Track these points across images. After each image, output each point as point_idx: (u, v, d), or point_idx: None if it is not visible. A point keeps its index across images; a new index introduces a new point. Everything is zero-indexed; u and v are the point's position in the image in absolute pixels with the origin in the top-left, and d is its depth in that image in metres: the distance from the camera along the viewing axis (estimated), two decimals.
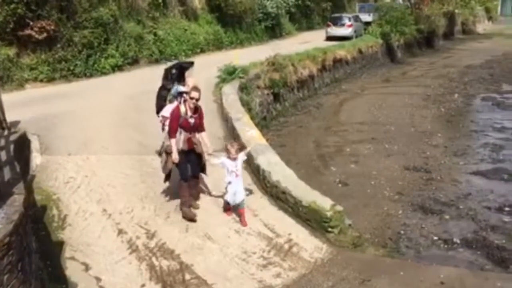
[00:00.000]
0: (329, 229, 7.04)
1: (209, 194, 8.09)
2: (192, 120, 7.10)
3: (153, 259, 6.31)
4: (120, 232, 6.92)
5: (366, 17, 32.86)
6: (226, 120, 11.72)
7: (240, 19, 27.03)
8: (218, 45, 24.89)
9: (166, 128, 7.32)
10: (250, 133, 10.14)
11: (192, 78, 7.84)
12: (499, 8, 62.99)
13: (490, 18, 58.31)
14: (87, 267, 6.09)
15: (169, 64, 8.47)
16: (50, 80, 16.04)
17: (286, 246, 6.80)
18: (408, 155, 12.39)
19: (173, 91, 7.68)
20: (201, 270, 6.12)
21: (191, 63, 8.37)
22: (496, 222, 8.48)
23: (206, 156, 7.47)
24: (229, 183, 7.18)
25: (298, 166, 10.67)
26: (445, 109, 17.69)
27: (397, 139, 13.75)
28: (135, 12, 20.00)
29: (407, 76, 26.04)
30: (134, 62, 19.12)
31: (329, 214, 7.06)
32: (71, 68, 16.53)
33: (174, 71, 7.99)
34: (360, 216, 8.59)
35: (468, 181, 10.54)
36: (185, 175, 7.30)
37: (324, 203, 7.24)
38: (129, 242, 6.67)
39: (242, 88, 14.56)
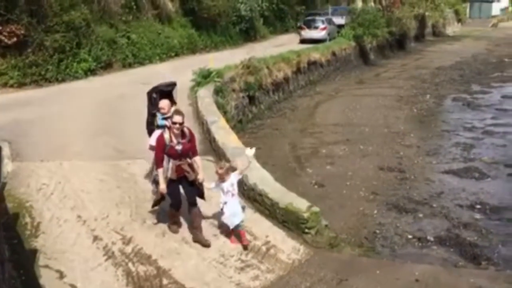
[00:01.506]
0: (306, 230, 7.08)
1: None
2: (179, 147, 6.51)
3: (130, 264, 6.24)
4: (96, 238, 6.81)
5: (339, 20, 33.21)
6: (202, 123, 11.69)
7: (215, 23, 26.97)
8: (193, 49, 24.78)
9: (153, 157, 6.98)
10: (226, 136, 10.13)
11: (163, 101, 7.32)
12: (467, 11, 64.51)
13: (459, 21, 59.59)
14: (61, 275, 5.97)
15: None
16: (21, 85, 15.69)
17: (264, 248, 6.82)
18: (382, 155, 12.59)
19: (159, 122, 7.23)
20: (178, 274, 6.09)
21: (173, 84, 7.76)
22: (468, 220, 8.70)
23: (201, 180, 6.84)
24: (225, 203, 6.73)
25: (274, 168, 10.71)
26: (418, 110, 18.04)
27: (371, 140, 13.95)
28: (108, 16, 19.74)
29: (380, 78, 26.44)
30: (108, 66, 18.88)
31: (305, 215, 7.11)
32: (42, 72, 16.20)
33: (154, 95, 7.55)
34: (337, 217, 8.68)
35: (440, 180, 10.77)
36: (176, 204, 6.89)
37: (301, 204, 7.29)
38: (105, 248, 6.58)
39: (218, 91, 14.56)
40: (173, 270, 6.16)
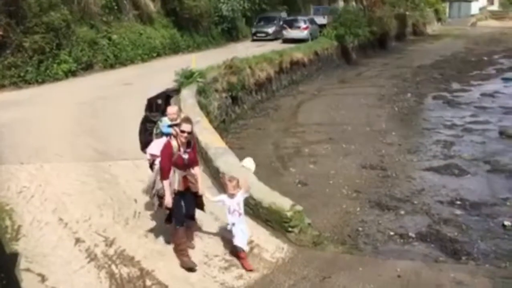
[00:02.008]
0: (290, 229, 7.11)
1: None
2: (186, 156, 6.16)
3: (113, 266, 6.20)
4: (78, 241, 6.75)
5: (321, 20, 33.41)
6: None
7: (197, 23, 26.95)
8: (175, 49, 24.73)
9: (156, 167, 6.41)
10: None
11: (173, 106, 6.90)
12: (447, 10, 65.47)
13: (439, 20, 60.49)
14: (43, 278, 5.90)
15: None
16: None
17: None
18: (364, 153, 12.71)
19: (164, 129, 6.65)
20: (162, 275, 6.06)
21: (177, 91, 7.57)
22: (448, 216, 8.84)
23: (201, 192, 6.51)
24: (233, 224, 6.31)
25: (257, 168, 10.64)
26: (399, 108, 18.24)
27: (353, 139, 14.07)
28: (88, 16, 19.59)
29: (362, 77, 26.67)
30: (89, 67, 18.75)
31: (289, 214, 7.14)
32: (22, 74, 16.02)
33: (160, 101, 7.07)
34: (320, 215, 8.74)
35: (421, 177, 10.91)
36: (181, 219, 6.36)
37: (284, 203, 7.32)
38: (87, 250, 6.52)
39: (200, 92, 14.53)
40: (157, 271, 6.14)
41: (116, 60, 20.27)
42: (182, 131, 6.01)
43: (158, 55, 23.08)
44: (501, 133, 14.19)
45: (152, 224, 7.27)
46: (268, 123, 16.55)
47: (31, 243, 6.64)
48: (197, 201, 6.51)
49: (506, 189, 10.07)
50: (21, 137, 10.44)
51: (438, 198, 9.66)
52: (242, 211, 6.36)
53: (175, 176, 6.12)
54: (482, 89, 21.79)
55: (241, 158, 9.44)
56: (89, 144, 10.28)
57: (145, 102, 7.59)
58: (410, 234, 8.12)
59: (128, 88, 15.62)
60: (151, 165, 6.67)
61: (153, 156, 6.53)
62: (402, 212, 9.05)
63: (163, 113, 6.83)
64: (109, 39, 20.19)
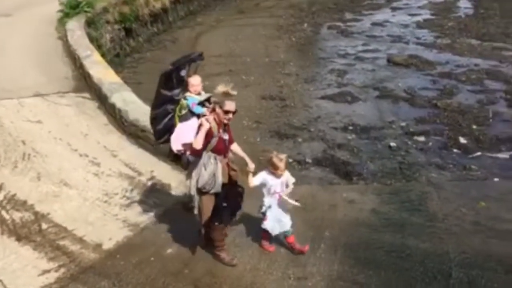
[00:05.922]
0: None
1: None
2: (226, 137, 4.97)
3: (3, 212, 5.84)
4: None
5: None
6: (74, 58, 10.90)
7: None
8: None
9: (191, 157, 4.94)
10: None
11: (196, 76, 5.34)
12: None
13: None
14: None
15: None
16: None
17: (149, 184, 6.77)
18: (264, 84, 12.85)
19: (196, 109, 4.97)
20: (59, 217, 5.84)
21: (200, 55, 5.52)
22: (341, 141, 9.36)
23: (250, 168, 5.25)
24: (269, 207, 5.34)
25: None
26: (296, 39, 18.46)
27: (253, 70, 14.11)
28: None
29: (260, 7, 26.39)
30: None
31: None
32: None
33: (183, 73, 5.25)
34: None
35: (317, 106, 11.34)
36: (223, 217, 5.12)
37: None
38: None
39: (90, 23, 13.55)
40: (53, 214, 5.89)
41: None
42: (227, 112, 4.67)
43: None
44: (389, 60, 15.00)
45: (45, 165, 6.89)
46: (166, 56, 15.91)
47: None
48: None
49: (392, 113, 10.81)
50: None
51: (332, 125, 10.15)
52: (283, 193, 5.33)
53: (218, 165, 4.85)
54: (373, 18, 22.64)
55: (139, 94, 9.07)
56: None
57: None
58: (307, 160, 8.52)
59: (6, 20, 14.06)
60: (184, 162, 5.16)
61: (186, 146, 4.94)
62: (300, 140, 9.42)
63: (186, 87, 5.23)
64: None
